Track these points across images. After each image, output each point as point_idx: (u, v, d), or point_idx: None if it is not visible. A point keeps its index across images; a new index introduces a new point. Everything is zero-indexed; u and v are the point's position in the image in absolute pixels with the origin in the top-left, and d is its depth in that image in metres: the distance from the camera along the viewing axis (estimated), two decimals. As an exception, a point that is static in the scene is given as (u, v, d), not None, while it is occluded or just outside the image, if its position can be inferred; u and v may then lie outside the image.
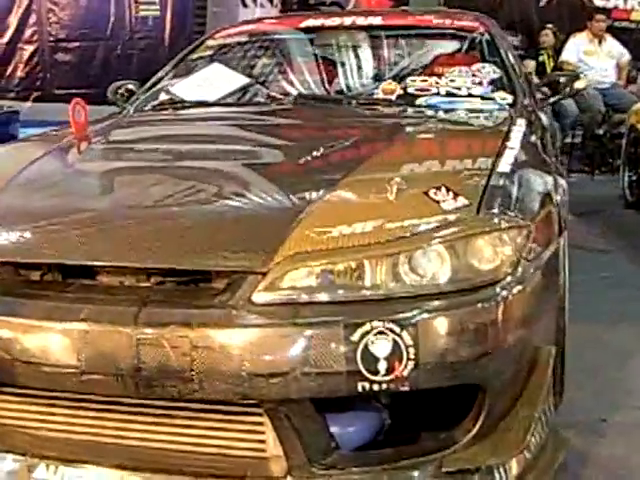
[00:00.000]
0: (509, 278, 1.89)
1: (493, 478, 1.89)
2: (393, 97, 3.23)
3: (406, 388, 1.76)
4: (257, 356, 1.73)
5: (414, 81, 3.31)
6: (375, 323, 1.73)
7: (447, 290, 1.84)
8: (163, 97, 3.59)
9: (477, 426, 1.88)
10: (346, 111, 3.09)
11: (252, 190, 2.14)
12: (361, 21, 3.78)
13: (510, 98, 3.21)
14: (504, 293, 1.87)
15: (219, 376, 1.74)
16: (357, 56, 3.57)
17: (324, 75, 3.48)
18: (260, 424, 1.83)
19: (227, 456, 1.89)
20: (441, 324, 1.78)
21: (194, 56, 3.91)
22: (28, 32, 6.62)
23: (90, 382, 1.82)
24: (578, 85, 3.45)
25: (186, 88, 3.60)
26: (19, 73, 6.62)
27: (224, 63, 3.73)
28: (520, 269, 1.93)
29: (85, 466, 1.94)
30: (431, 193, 1.98)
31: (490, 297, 1.84)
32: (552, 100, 3.42)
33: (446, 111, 3.04)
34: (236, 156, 2.49)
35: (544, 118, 3.40)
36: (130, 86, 3.91)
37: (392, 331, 1.73)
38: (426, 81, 3.30)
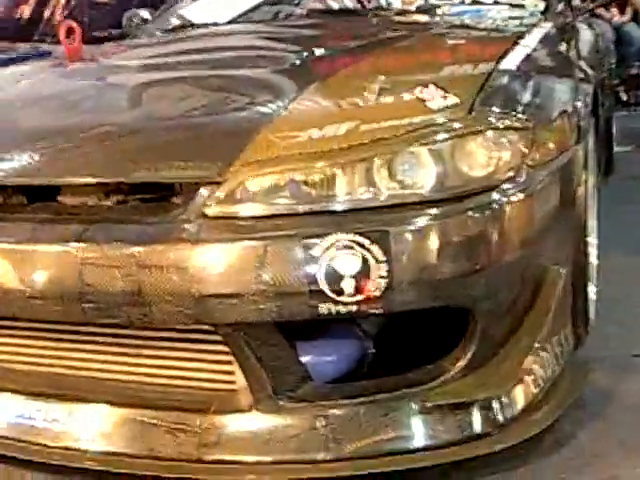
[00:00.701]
0: (506, 186, 1.64)
1: (490, 413, 1.67)
2: (413, 7, 2.97)
3: (378, 311, 1.53)
4: (208, 275, 1.53)
5: (436, -12, 3.04)
6: (340, 235, 1.51)
7: (431, 199, 1.60)
8: (174, 21, 3.39)
9: (467, 355, 1.65)
10: (355, 22, 2.83)
11: (223, 98, 1.94)
12: None
13: (542, 4, 2.91)
14: (498, 202, 1.62)
15: (168, 298, 1.54)
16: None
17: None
18: (223, 353, 1.64)
19: (191, 387, 1.71)
20: (419, 236, 1.54)
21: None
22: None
23: (37, 307, 1.65)
24: None
25: (198, 10, 3.41)
26: (57, 17, 6.47)
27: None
28: (521, 176, 1.68)
29: (47, 400, 1.79)
30: (417, 92, 1.73)
31: (480, 206, 1.60)
32: (591, 6, 3.08)
33: (470, 16, 2.77)
34: (217, 65, 2.27)
35: (585, 30, 3.09)
36: (144, 14, 3.71)
37: (360, 245, 1.51)
38: (450, -12, 3.02)
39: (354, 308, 1.52)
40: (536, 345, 1.76)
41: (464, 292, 1.59)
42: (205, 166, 1.62)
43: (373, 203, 1.58)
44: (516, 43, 2.15)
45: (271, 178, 1.60)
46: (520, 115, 1.72)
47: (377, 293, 1.51)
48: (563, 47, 2.50)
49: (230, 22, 3.15)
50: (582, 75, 2.35)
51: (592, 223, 2.46)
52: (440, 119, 1.65)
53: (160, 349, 1.70)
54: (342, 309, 1.52)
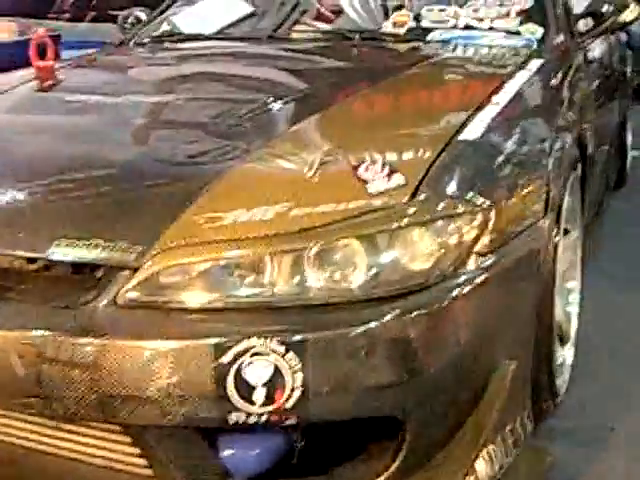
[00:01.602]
0: (448, 282, 1.51)
1: None
2: (403, 31, 2.80)
3: (292, 421, 1.42)
4: (112, 373, 1.42)
5: (431, 11, 2.86)
6: (254, 340, 1.39)
7: (361, 298, 1.47)
8: (164, 27, 3.26)
9: (397, 462, 1.53)
10: (336, 49, 2.68)
11: (159, 155, 1.80)
12: None
13: (540, 32, 2.72)
14: (438, 301, 1.49)
15: (69, 395, 1.44)
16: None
17: (334, 3, 3.05)
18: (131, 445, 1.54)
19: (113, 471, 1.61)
20: (343, 342, 1.42)
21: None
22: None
23: None
24: (625, 17, 2.89)
25: (188, 17, 3.27)
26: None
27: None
28: (467, 269, 1.54)
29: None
30: (361, 170, 1.59)
31: (417, 307, 1.47)
32: (591, 35, 2.87)
33: (456, 48, 2.60)
34: (167, 108, 2.13)
35: (586, 56, 2.89)
36: (139, 14, 3.58)
37: (275, 351, 1.39)
38: (444, 10, 2.85)
39: (266, 419, 1.40)
40: (482, 441, 1.64)
41: (392, 403, 1.47)
42: (122, 248, 1.50)
43: (297, 301, 1.46)
44: (493, 93, 2.00)
45: (189, 269, 1.48)
46: (471, 198, 1.58)
47: (290, 404, 1.39)
48: (550, 89, 2.33)
49: (217, 33, 3.02)
50: (564, 122, 2.17)
51: (572, 285, 2.32)
52: (379, 205, 1.51)
53: (77, 434, 1.60)
54: (253, 419, 1.40)
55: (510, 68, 2.27)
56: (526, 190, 1.76)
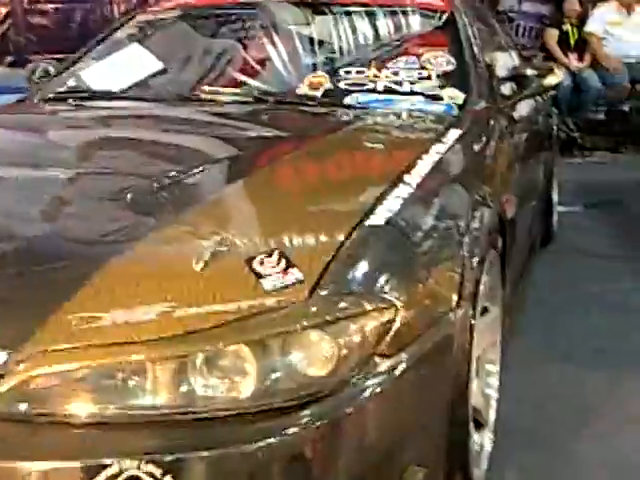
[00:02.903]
0: (349, 389, 1.37)
1: None
2: (319, 93, 2.68)
3: None
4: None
5: (348, 73, 2.75)
6: (126, 463, 1.23)
7: (253, 408, 1.32)
8: (71, 83, 3.10)
9: None
10: (247, 113, 2.54)
11: (37, 242, 1.61)
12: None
13: (461, 97, 2.64)
14: (337, 412, 1.35)
15: None
16: (291, 39, 2.99)
17: (247, 63, 2.92)
18: None
19: None
20: (228, 464, 1.26)
21: (119, 34, 3.37)
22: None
23: None
24: (550, 81, 2.84)
25: (96, 73, 3.10)
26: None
27: (147, 44, 3.22)
28: (371, 372, 1.40)
29: None
30: (255, 263, 1.44)
31: (312, 420, 1.32)
32: (514, 100, 2.80)
33: (372, 115, 2.49)
34: (56, 184, 1.93)
35: (510, 119, 2.82)
36: (46, 66, 3.40)
37: (150, 474, 1.23)
38: (363, 73, 2.74)
39: None
40: None
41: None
42: None
43: (181, 413, 1.30)
44: (407, 169, 1.88)
45: (58, 377, 1.31)
46: (376, 294, 1.45)
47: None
48: (469, 161, 2.23)
49: (124, 91, 2.86)
50: (483, 197, 2.06)
51: (491, 367, 2.20)
52: (274, 305, 1.37)
53: None
54: None
55: (427, 139, 2.15)
56: (438, 280, 1.63)
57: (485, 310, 2.15)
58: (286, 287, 1.40)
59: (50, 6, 6.14)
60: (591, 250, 4.44)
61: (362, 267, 1.49)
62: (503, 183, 2.38)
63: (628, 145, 7.25)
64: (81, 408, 1.31)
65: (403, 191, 1.75)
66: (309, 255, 1.48)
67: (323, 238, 1.54)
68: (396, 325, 1.45)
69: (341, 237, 1.53)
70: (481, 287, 1.87)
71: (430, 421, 1.59)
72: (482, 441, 2.06)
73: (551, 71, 2.85)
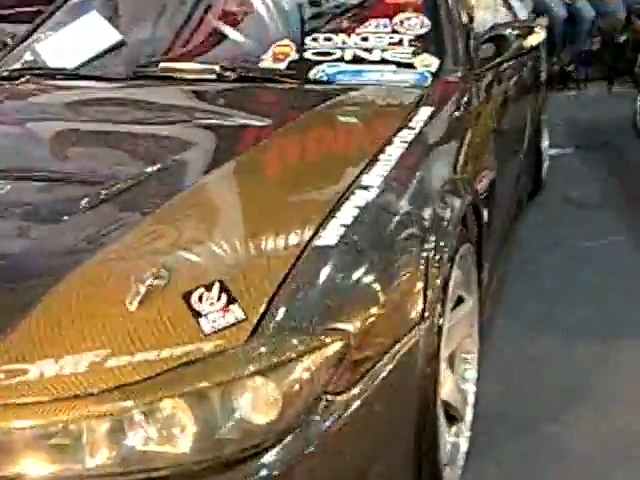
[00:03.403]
0: (298, 436, 1.27)
1: None
2: (283, 65, 2.52)
3: None
4: None
5: (316, 40, 2.59)
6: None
7: (192, 463, 1.23)
8: (27, 57, 2.93)
9: None
10: (194, 97, 2.39)
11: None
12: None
13: (435, 64, 2.48)
14: (284, 463, 1.25)
15: None
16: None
17: (206, 31, 2.75)
18: None
19: None
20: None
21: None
22: None
23: None
24: (530, 42, 2.66)
25: (53, 46, 2.93)
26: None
27: (106, 10, 3.05)
28: (323, 414, 1.30)
29: None
30: (194, 298, 1.33)
31: (257, 474, 1.23)
32: (492, 64, 2.62)
33: (335, 94, 2.33)
34: None
35: (490, 81, 2.67)
36: (4, 37, 3.21)
37: None
38: (330, 40, 2.58)
39: None
40: None
41: None
42: None
43: (115, 473, 1.21)
44: (366, 169, 1.74)
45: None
46: (325, 328, 1.33)
47: None
48: (439, 145, 2.08)
49: (78, 67, 2.70)
50: (453, 187, 1.93)
51: (469, 358, 2.12)
52: (212, 349, 1.26)
53: None
54: None
55: (392, 126, 1.99)
56: (399, 295, 1.52)
57: (460, 300, 2.05)
58: (226, 328, 1.29)
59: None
60: (581, 199, 4.33)
61: (310, 296, 1.37)
62: (479, 160, 2.25)
63: (622, 76, 7.07)
64: (8, 472, 1.21)
65: (360, 198, 1.61)
66: (253, 286, 1.36)
67: (268, 263, 1.42)
68: (350, 356, 1.35)
69: (288, 261, 1.41)
70: (451, 284, 1.76)
71: (393, 450, 1.50)
72: (458, 440, 1.98)
73: (531, 30, 2.66)
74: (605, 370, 2.55)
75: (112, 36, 2.86)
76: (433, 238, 1.67)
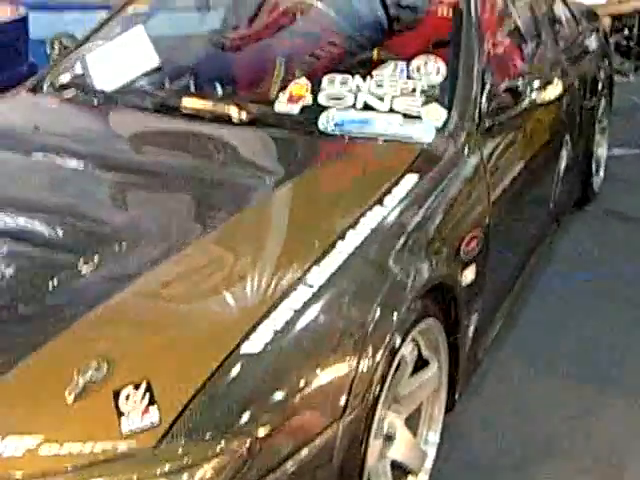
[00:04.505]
0: None
1: None
2: (296, 109, 2.63)
3: None
4: None
5: (331, 83, 2.68)
6: None
7: None
8: (77, 70, 3.12)
9: None
10: (206, 142, 2.53)
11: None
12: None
13: (443, 116, 2.54)
14: None
15: None
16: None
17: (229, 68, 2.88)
18: None
19: None
20: None
21: (134, 8, 3.34)
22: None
23: None
24: (548, 95, 2.64)
25: (98, 60, 3.12)
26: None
27: (152, 25, 3.21)
28: None
29: None
30: (122, 396, 1.50)
31: None
32: (503, 117, 2.60)
33: (339, 147, 2.44)
34: None
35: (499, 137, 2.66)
36: (65, 40, 3.39)
37: None
38: (345, 83, 2.66)
39: None
40: None
41: None
42: None
43: None
44: (316, 261, 1.83)
45: None
46: (234, 431, 1.48)
47: None
48: (407, 225, 2.09)
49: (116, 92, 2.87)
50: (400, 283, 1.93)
51: (433, 417, 2.24)
52: (125, 450, 1.44)
53: None
54: None
55: (367, 199, 2.08)
56: (317, 397, 1.62)
57: (426, 363, 2.17)
58: (141, 430, 1.46)
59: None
60: (631, 217, 4.27)
61: (223, 403, 1.52)
62: (464, 223, 2.32)
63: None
64: None
65: (300, 296, 1.73)
66: (175, 388, 1.52)
67: (192, 367, 1.56)
68: (257, 458, 1.49)
69: (211, 367, 1.55)
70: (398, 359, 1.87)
71: None
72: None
73: (549, 83, 2.65)
74: None
75: (150, 59, 3.03)
76: (371, 334, 1.75)
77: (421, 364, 2.15)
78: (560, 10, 4.17)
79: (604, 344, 3.08)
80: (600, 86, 4.22)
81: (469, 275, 2.34)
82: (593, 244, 3.94)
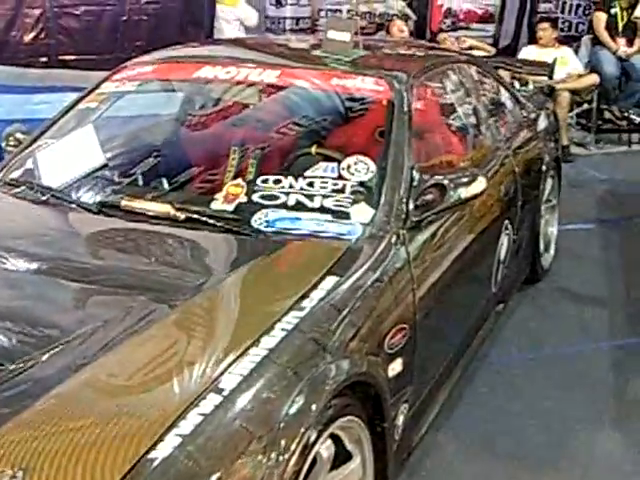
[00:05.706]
0: None
1: None
2: (231, 208, 2.74)
3: None
4: None
5: (265, 182, 2.80)
6: None
7: None
8: (28, 166, 3.22)
9: None
10: (143, 242, 2.61)
11: None
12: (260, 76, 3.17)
13: (369, 215, 2.65)
14: None
15: None
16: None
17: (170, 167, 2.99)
18: None
19: None
20: None
21: (86, 105, 3.47)
22: (31, -4, 6.25)
23: None
24: (472, 190, 2.74)
25: (47, 157, 3.22)
26: (25, 39, 6.34)
27: (101, 125, 3.32)
28: None
29: None
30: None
31: None
32: (428, 214, 2.69)
33: (267, 247, 2.53)
34: None
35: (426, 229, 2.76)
36: (19, 135, 3.51)
37: None
38: (280, 182, 2.78)
39: None
40: None
41: None
42: None
43: None
44: (224, 371, 1.89)
45: None
46: None
47: None
48: (320, 327, 2.15)
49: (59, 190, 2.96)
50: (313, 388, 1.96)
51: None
52: None
53: None
54: None
55: (285, 303, 2.16)
56: None
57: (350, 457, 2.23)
58: None
59: (80, 9, 6.27)
60: (581, 294, 4.38)
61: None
62: (387, 319, 2.40)
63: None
64: None
65: (209, 403, 1.79)
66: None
67: (105, 476, 1.61)
68: None
69: (120, 474, 1.60)
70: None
71: None
72: None
73: (474, 179, 2.75)
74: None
75: (96, 158, 3.14)
76: (283, 428, 1.82)
77: (347, 456, 2.21)
78: (504, 97, 4.32)
79: (542, 425, 3.15)
80: (544, 168, 4.35)
81: (396, 367, 2.41)
82: (539, 323, 4.03)
